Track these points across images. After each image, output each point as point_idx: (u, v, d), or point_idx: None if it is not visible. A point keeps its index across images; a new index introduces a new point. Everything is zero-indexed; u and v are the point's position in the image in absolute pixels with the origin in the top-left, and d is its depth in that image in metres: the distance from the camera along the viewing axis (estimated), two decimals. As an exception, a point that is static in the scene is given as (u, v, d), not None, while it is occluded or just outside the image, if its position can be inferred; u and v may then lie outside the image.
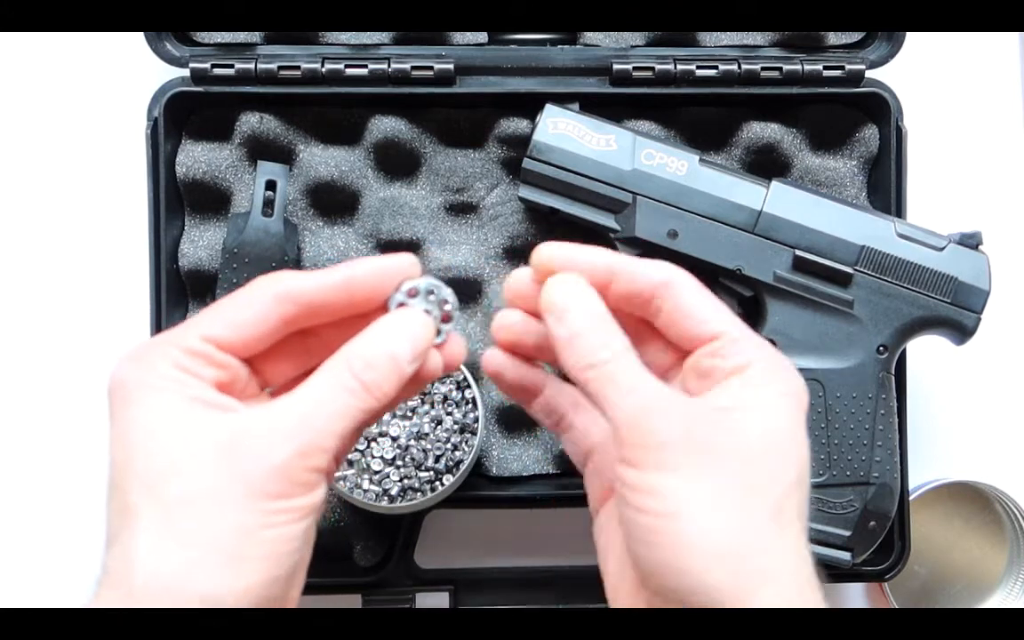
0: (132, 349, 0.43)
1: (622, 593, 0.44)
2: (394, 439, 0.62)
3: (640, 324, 0.46)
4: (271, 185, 0.67)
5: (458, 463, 0.63)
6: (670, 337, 0.45)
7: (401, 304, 0.45)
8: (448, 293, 0.46)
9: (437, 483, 0.63)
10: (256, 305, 0.43)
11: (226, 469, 0.39)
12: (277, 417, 0.40)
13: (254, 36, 0.68)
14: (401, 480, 0.62)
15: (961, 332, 0.64)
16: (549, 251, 0.45)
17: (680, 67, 0.67)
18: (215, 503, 0.39)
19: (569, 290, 0.44)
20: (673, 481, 0.40)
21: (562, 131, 0.64)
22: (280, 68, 0.66)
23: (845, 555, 0.63)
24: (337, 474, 0.62)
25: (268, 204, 0.67)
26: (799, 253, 0.63)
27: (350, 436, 0.42)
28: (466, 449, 0.63)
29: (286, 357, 0.46)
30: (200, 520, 0.38)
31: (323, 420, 0.41)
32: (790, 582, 0.40)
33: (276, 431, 0.40)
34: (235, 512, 0.39)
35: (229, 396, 0.42)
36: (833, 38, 0.69)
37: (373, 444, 0.62)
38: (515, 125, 0.69)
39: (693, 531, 0.39)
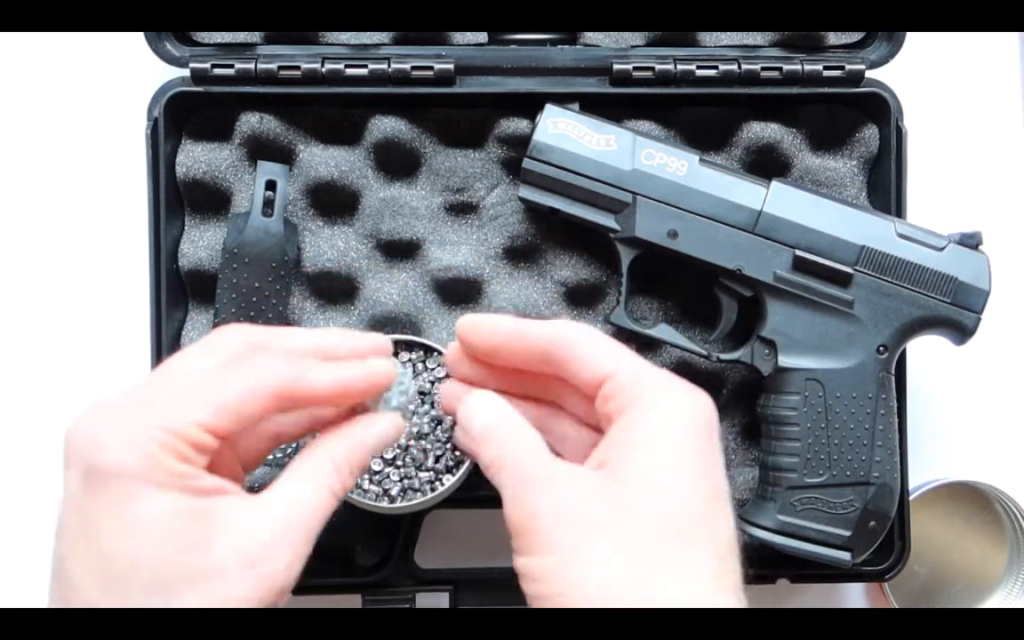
0: (110, 415, 0.42)
1: None
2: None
3: (562, 381, 0.49)
4: (271, 185, 0.67)
5: (458, 463, 0.63)
6: (581, 390, 0.47)
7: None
8: (413, 391, 0.54)
9: (437, 483, 0.63)
10: (257, 400, 0.43)
11: (233, 586, 0.40)
12: (280, 530, 0.42)
13: (254, 36, 0.68)
14: (401, 480, 0.62)
15: (961, 332, 0.64)
16: (463, 322, 0.51)
17: (680, 67, 0.67)
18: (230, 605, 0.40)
19: (470, 408, 0.49)
20: (552, 562, 0.41)
21: (562, 131, 0.64)
22: (280, 68, 0.66)
23: (845, 555, 0.63)
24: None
25: (268, 204, 0.67)
26: (799, 253, 0.63)
27: None
28: (466, 449, 0.63)
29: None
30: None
31: (319, 526, 0.44)
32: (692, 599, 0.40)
33: (283, 548, 0.42)
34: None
35: (215, 476, 0.42)
36: (833, 38, 0.69)
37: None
38: (515, 125, 0.69)
39: (582, 602, 0.40)
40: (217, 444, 0.42)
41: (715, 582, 0.41)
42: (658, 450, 0.43)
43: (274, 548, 0.41)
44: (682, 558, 0.41)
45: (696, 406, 0.44)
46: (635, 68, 0.67)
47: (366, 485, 0.62)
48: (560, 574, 0.41)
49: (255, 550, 0.41)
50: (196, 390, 0.42)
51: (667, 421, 0.43)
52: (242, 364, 0.43)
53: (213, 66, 0.66)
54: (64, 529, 0.41)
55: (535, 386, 0.51)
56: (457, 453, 0.63)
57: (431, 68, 0.67)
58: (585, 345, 0.46)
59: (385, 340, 0.50)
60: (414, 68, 0.67)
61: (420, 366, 0.64)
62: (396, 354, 0.64)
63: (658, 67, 0.67)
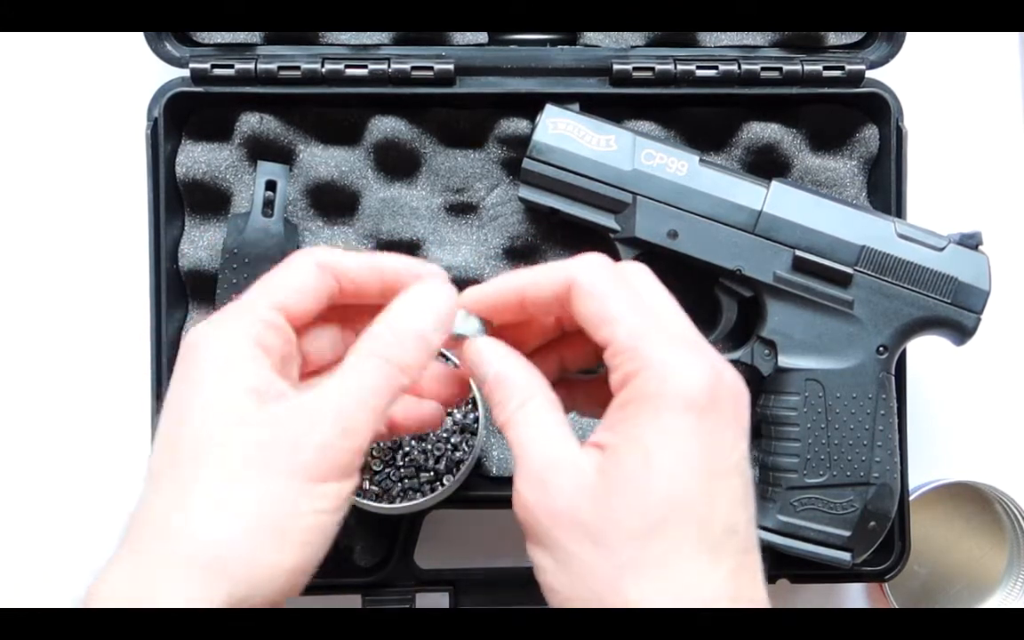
0: (214, 316, 0.45)
1: None
2: (394, 440, 0.62)
3: None
4: (271, 185, 0.67)
5: (458, 463, 0.63)
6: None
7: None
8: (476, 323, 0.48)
9: (437, 483, 0.63)
10: (304, 273, 0.45)
11: (274, 447, 0.41)
12: (319, 398, 0.42)
13: (254, 36, 0.68)
14: (401, 480, 0.62)
15: (961, 332, 0.64)
16: (463, 298, 0.47)
17: (680, 67, 0.67)
18: (267, 477, 0.40)
19: (480, 347, 0.46)
20: (547, 557, 0.41)
21: (562, 131, 0.64)
22: (280, 68, 0.66)
23: (845, 555, 0.63)
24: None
25: (268, 204, 0.67)
26: (799, 253, 0.63)
27: (381, 418, 0.43)
28: (466, 449, 0.63)
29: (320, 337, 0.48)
30: (254, 492, 0.40)
31: (360, 399, 0.42)
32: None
33: (319, 411, 0.41)
34: (282, 488, 0.40)
35: (282, 380, 0.44)
36: (833, 38, 0.69)
37: (373, 445, 0.62)
38: (515, 125, 0.69)
39: (573, 601, 0.40)
40: (291, 333, 0.44)
41: (709, 574, 0.39)
42: (647, 439, 0.40)
43: (313, 416, 0.41)
44: (668, 557, 0.39)
45: (695, 374, 0.41)
46: (635, 68, 0.67)
47: (366, 485, 0.62)
48: (554, 572, 0.41)
49: (286, 417, 0.41)
50: (262, 282, 0.45)
51: (660, 402, 0.40)
52: (297, 253, 0.46)
53: (213, 66, 0.66)
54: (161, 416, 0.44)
55: None
56: (457, 454, 0.63)
57: (431, 68, 0.67)
58: (588, 296, 0.44)
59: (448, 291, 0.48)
60: (414, 68, 0.67)
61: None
62: None
63: (658, 67, 0.67)
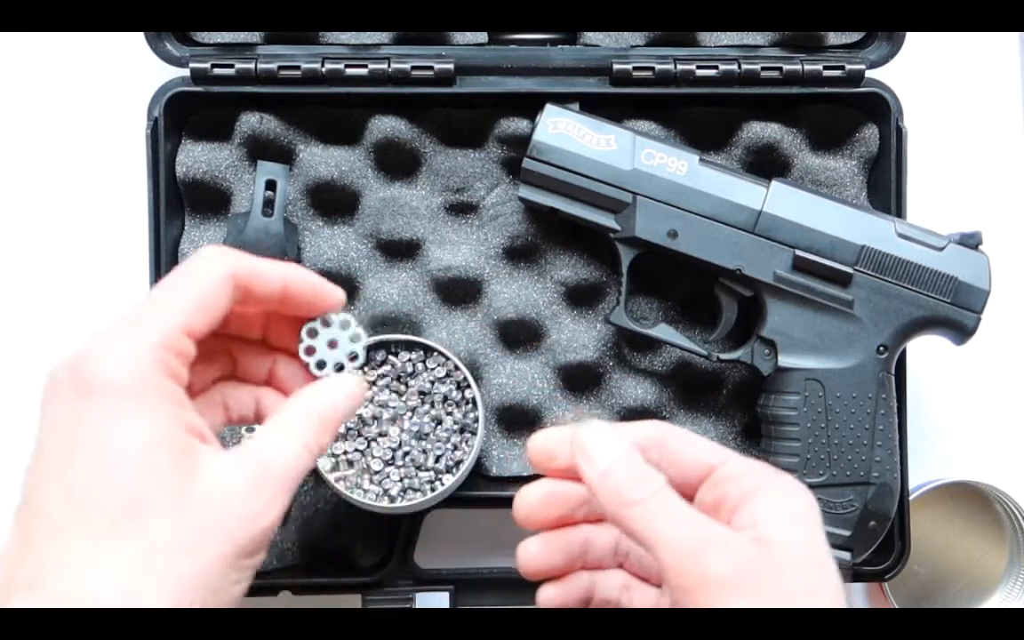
0: (102, 334, 0.41)
1: None
2: (394, 439, 0.62)
3: None
4: (271, 185, 0.67)
5: (458, 463, 0.63)
6: (675, 486, 0.45)
7: (312, 332, 0.48)
8: (361, 332, 0.48)
9: (437, 483, 0.63)
10: (214, 286, 0.43)
11: (210, 522, 0.39)
12: (257, 476, 0.41)
13: (254, 36, 0.68)
14: (401, 480, 0.62)
15: (961, 332, 0.64)
16: (539, 440, 0.47)
17: (680, 67, 0.67)
18: (197, 554, 0.38)
19: (599, 431, 0.44)
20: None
21: (562, 131, 0.64)
22: (280, 68, 0.66)
23: (845, 555, 0.63)
24: (337, 474, 0.62)
25: (268, 204, 0.67)
26: (799, 253, 0.63)
27: None
28: (466, 449, 0.63)
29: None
30: (180, 570, 0.38)
31: (295, 480, 0.42)
32: None
33: (262, 495, 0.41)
34: (214, 567, 0.39)
35: (196, 414, 0.42)
36: (833, 38, 0.69)
37: (373, 444, 0.62)
38: (515, 125, 0.69)
39: None
40: (194, 350, 0.42)
41: None
42: (800, 529, 0.42)
43: (256, 500, 0.40)
44: None
45: (810, 496, 0.44)
46: (635, 68, 0.67)
47: (366, 485, 0.62)
48: None
49: (225, 494, 0.40)
50: (167, 295, 0.42)
51: (797, 506, 0.43)
52: (204, 259, 0.44)
53: (213, 66, 0.66)
54: (42, 452, 0.41)
55: None
56: (457, 453, 0.63)
57: (431, 68, 0.67)
58: (684, 438, 0.45)
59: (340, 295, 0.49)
60: (414, 68, 0.67)
61: (420, 366, 0.64)
62: (396, 354, 0.64)
63: (658, 67, 0.67)
